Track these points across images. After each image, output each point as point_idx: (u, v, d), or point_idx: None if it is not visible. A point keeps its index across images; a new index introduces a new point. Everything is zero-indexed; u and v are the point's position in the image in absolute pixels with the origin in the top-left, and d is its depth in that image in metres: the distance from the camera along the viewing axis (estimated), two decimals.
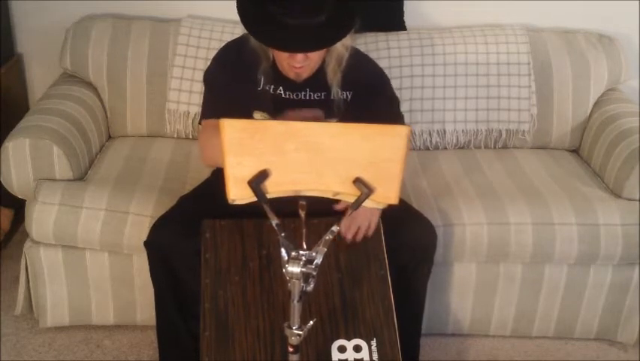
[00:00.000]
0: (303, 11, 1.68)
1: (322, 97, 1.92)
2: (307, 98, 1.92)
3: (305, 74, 1.86)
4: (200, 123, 2.00)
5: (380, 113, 1.90)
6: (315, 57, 1.81)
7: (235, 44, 1.97)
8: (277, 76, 1.90)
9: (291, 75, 1.86)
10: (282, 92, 1.91)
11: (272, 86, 1.91)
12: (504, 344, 2.30)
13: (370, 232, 1.83)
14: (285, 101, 1.91)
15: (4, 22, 2.69)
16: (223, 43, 2.09)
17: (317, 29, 1.69)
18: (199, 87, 2.48)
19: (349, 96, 1.93)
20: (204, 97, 1.99)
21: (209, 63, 1.99)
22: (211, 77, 1.96)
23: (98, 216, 2.10)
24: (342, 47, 1.87)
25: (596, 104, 2.57)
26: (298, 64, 1.78)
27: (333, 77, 1.89)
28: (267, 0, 1.68)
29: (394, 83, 2.47)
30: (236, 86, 1.90)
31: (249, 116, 1.90)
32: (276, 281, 1.72)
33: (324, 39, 1.73)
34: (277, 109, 1.90)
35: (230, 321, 1.68)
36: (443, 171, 2.41)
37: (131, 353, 2.20)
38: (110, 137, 2.57)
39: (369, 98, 1.92)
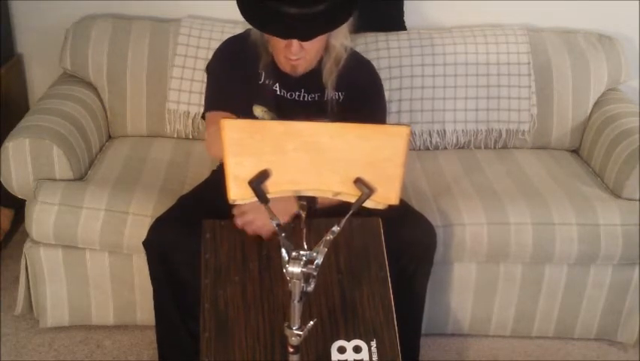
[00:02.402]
0: (302, 0, 1.69)
1: (316, 98, 1.92)
2: (302, 98, 1.92)
3: (301, 68, 1.86)
4: (203, 117, 2.01)
5: (364, 119, 1.91)
6: (311, 50, 1.82)
7: (237, 39, 1.98)
8: (275, 72, 1.91)
9: (287, 69, 1.87)
10: (277, 89, 1.91)
11: (271, 81, 1.91)
12: (504, 344, 2.30)
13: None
14: (280, 99, 1.91)
15: (4, 22, 2.69)
16: None
17: (314, 18, 1.70)
18: (199, 87, 2.48)
19: (341, 96, 1.93)
20: (207, 88, 1.99)
21: (211, 56, 2.00)
22: (213, 69, 1.98)
23: (98, 216, 2.10)
24: (340, 47, 1.87)
25: (596, 104, 2.57)
26: (294, 56, 1.79)
27: (329, 77, 1.89)
28: None
29: (394, 83, 2.48)
30: (238, 78, 1.91)
31: (249, 109, 1.91)
32: (276, 281, 1.72)
33: (319, 27, 1.74)
34: (275, 106, 1.91)
35: (230, 321, 1.68)
36: (443, 171, 2.40)
37: (131, 353, 2.20)
38: (110, 137, 2.57)
39: (360, 101, 1.92)
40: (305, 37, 1.76)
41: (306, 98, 1.92)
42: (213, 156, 1.96)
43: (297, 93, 1.92)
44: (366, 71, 2.01)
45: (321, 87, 1.91)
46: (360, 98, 1.93)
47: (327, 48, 1.88)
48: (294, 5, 1.69)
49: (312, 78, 1.90)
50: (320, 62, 1.89)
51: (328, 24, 1.74)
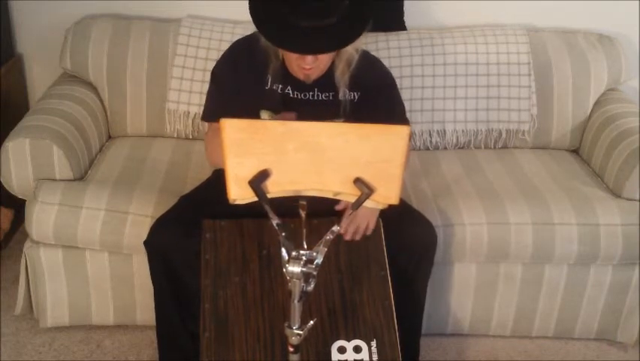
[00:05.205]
0: (314, 13, 1.66)
1: (330, 97, 1.92)
2: (315, 98, 1.92)
3: (314, 75, 1.85)
4: (202, 120, 2.00)
5: (385, 116, 1.90)
6: (324, 59, 1.80)
7: (245, 42, 1.95)
8: (286, 75, 1.89)
9: (300, 76, 1.86)
10: (290, 91, 1.90)
11: (280, 86, 1.90)
12: (504, 344, 2.30)
13: (369, 232, 1.83)
14: (294, 101, 1.91)
15: (4, 22, 2.69)
16: (223, 43, 2.08)
17: (328, 31, 1.67)
18: (199, 87, 2.48)
19: (356, 97, 1.93)
20: (209, 93, 1.97)
21: (218, 59, 1.99)
22: (219, 74, 1.96)
23: (98, 216, 2.10)
24: (352, 49, 1.86)
25: (596, 104, 2.57)
26: (308, 65, 1.77)
27: (342, 77, 1.88)
28: (279, 0, 1.67)
29: None
30: (244, 84, 1.90)
31: (255, 115, 1.90)
32: (276, 281, 1.72)
33: (335, 41, 1.71)
34: (286, 108, 1.90)
35: (230, 321, 1.68)
36: (443, 171, 2.40)
37: (131, 353, 2.20)
38: (110, 137, 2.57)
39: (377, 100, 1.92)
40: (319, 51, 1.73)
41: (320, 97, 1.92)
42: (212, 165, 1.96)
43: (311, 93, 1.91)
44: (379, 69, 2.00)
45: (335, 87, 1.90)
46: (377, 97, 1.92)
47: (338, 50, 1.87)
48: (305, 18, 1.65)
49: (324, 79, 1.89)
50: (332, 63, 1.88)
51: (343, 37, 1.70)
